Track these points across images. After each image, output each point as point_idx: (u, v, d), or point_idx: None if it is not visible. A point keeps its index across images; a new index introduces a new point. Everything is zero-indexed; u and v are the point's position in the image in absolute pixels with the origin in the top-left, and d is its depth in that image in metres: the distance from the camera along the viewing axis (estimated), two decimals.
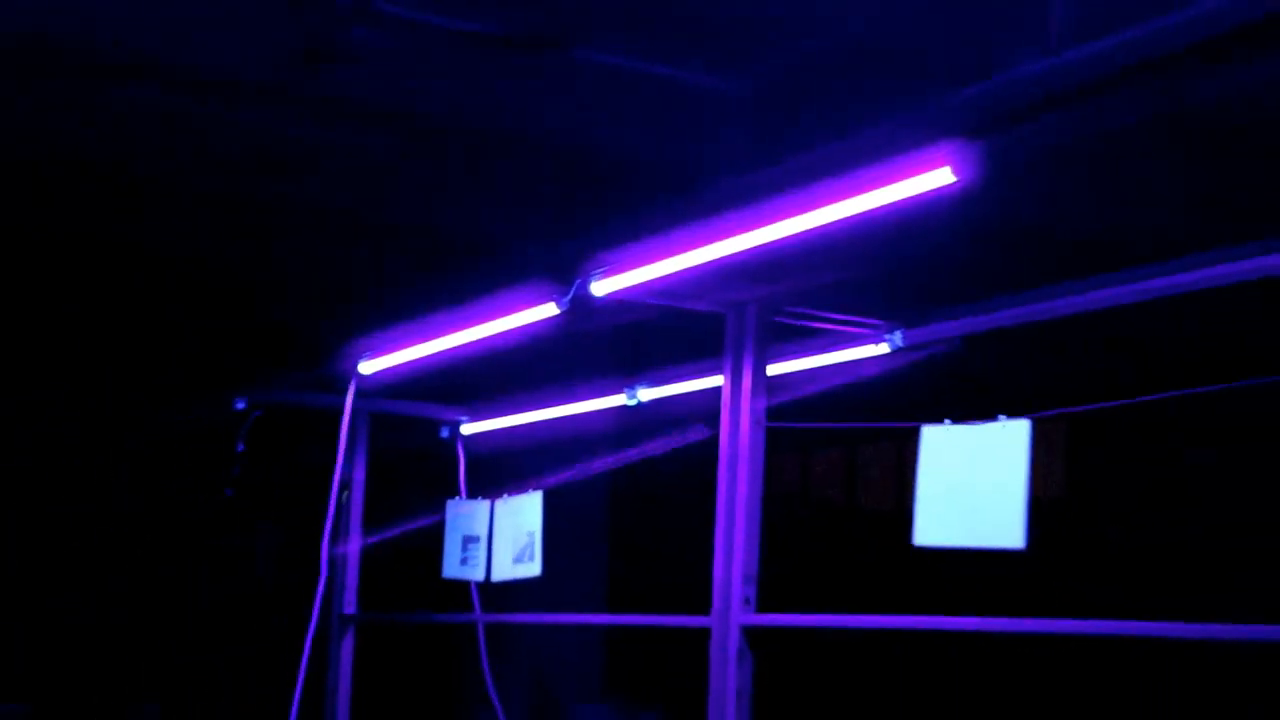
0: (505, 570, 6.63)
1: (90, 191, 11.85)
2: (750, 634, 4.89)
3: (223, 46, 9.29)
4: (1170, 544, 14.56)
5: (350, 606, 7.33)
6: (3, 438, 18.43)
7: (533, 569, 6.50)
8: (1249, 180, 8.82)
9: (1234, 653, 13.42)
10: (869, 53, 8.69)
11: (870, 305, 5.25)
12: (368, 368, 6.58)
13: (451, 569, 7.01)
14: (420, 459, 7.69)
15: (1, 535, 18.28)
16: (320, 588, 6.57)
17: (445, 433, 7.64)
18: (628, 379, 6.64)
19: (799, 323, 5.20)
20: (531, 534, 6.50)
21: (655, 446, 6.69)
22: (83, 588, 18.30)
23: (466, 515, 6.97)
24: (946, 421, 4.51)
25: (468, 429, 7.59)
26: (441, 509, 7.17)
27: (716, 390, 5.08)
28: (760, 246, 4.24)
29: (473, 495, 7.02)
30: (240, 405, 7.34)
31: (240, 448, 7.27)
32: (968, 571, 4.74)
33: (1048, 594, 4.64)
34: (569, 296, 4.99)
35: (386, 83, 9.45)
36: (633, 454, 7.09)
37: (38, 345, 16.86)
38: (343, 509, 6.98)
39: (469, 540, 6.90)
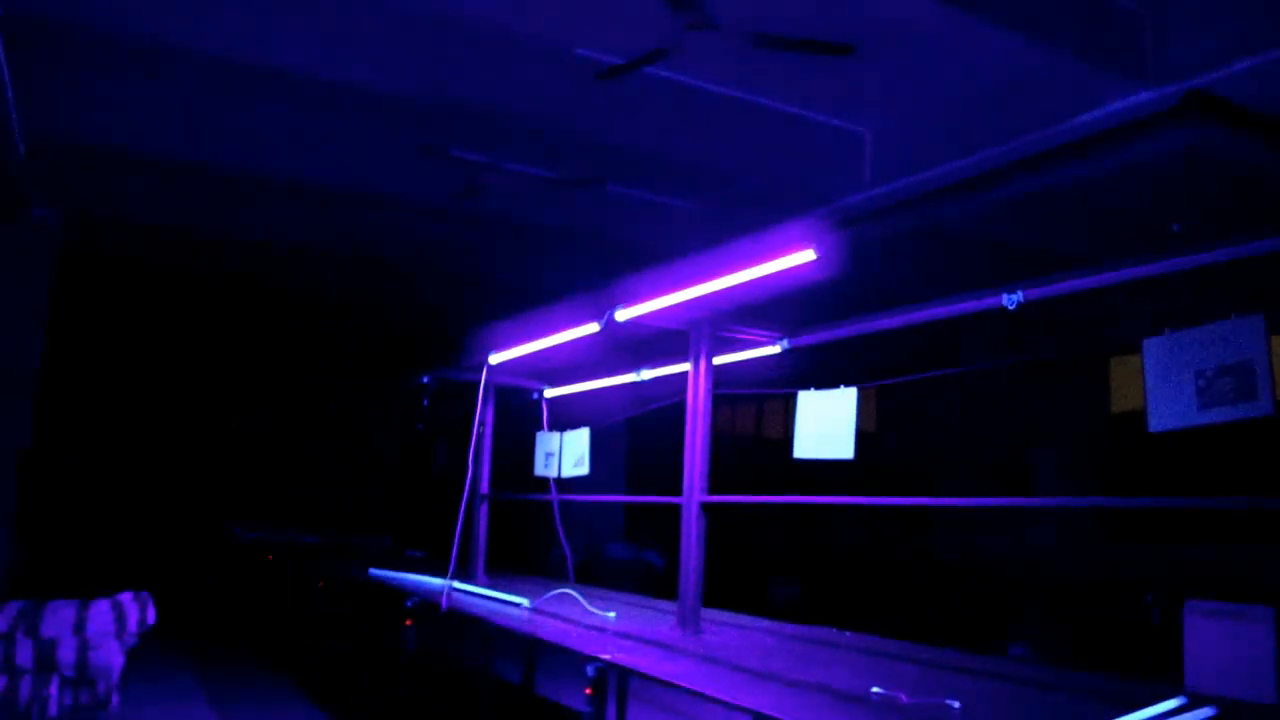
0: (569, 471, 6.73)
1: (345, 261, 11.91)
2: (705, 507, 4.97)
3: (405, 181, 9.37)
4: (929, 456, 14.64)
5: (484, 489, 7.41)
6: (289, 395, 18.56)
7: (584, 470, 6.59)
8: (975, 261, 8.91)
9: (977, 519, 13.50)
10: (763, 191, 8.79)
11: (771, 323, 5.34)
12: (494, 359, 6.64)
13: (539, 470, 7.09)
14: (522, 410, 7.74)
15: (295, 461, 18.44)
16: (469, 479, 6.63)
17: (536, 395, 7.70)
18: (637, 366, 6.73)
19: (730, 335, 5.28)
20: (583, 451, 6.60)
21: (653, 404, 6.75)
22: (344, 486, 18.44)
23: (547, 440, 7.05)
24: (811, 389, 4.60)
25: (549, 393, 7.66)
26: (533, 437, 7.25)
27: (685, 373, 5.15)
28: (708, 294, 4.32)
29: (551, 429, 7.09)
30: (425, 379, 7.44)
31: (425, 403, 7.35)
32: (822, 472, 4.79)
33: (867, 484, 4.71)
34: (604, 320, 5.06)
35: (502, 205, 9.53)
36: (641, 408, 7.14)
37: (316, 344, 16.98)
38: (480, 437, 7.05)
39: (548, 454, 6.99)
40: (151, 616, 7.73)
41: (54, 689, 7.04)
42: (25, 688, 6.96)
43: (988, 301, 3.98)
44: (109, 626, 7.41)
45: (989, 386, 14.15)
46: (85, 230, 10.48)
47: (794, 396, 4.73)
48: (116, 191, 9.87)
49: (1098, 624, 11.15)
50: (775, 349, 5.38)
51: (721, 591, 5.96)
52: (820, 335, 5.07)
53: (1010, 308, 3.87)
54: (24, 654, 7.02)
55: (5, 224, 9.77)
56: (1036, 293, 3.81)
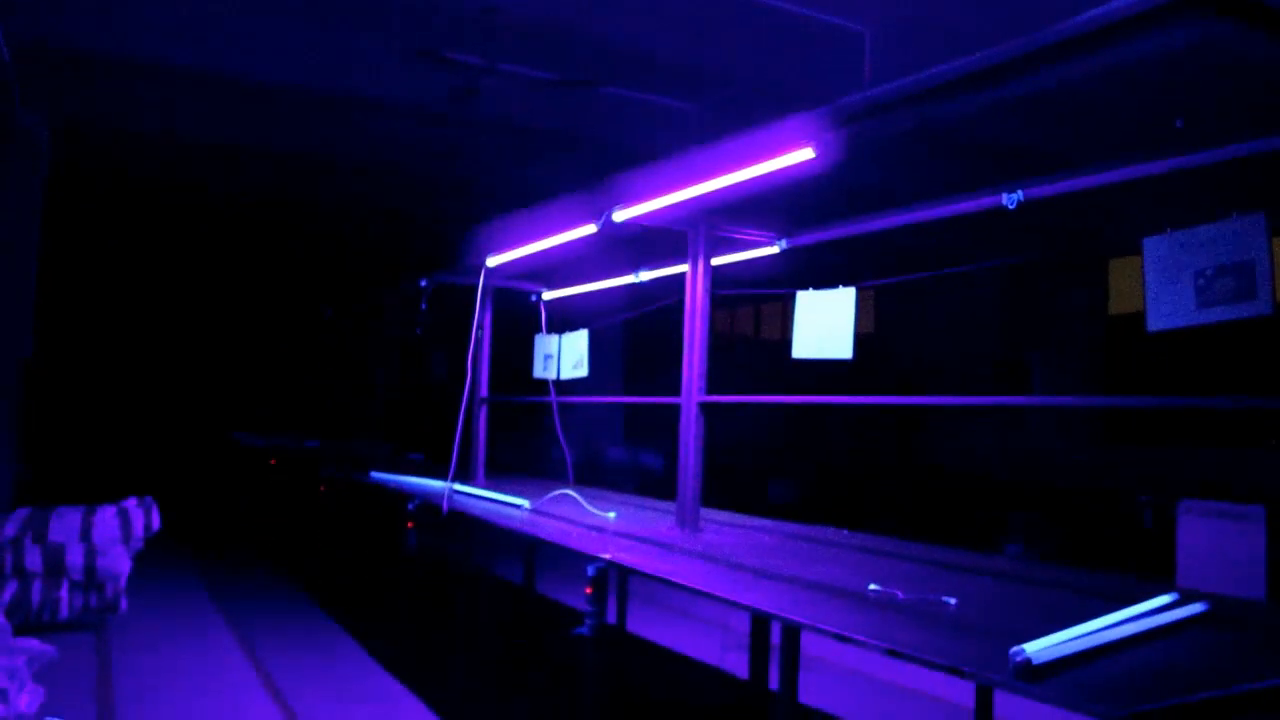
0: (568, 373, 6.74)
1: (342, 168, 11.81)
2: (704, 407, 4.99)
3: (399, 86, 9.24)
4: (927, 358, 14.67)
5: (484, 392, 7.43)
6: (288, 303, 18.53)
7: (582, 372, 6.61)
8: (975, 163, 8.85)
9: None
10: (761, 92, 8.68)
11: (769, 224, 5.31)
12: (492, 261, 6.62)
13: (538, 372, 7.11)
14: (520, 313, 7.74)
15: (295, 367, 18.48)
16: (468, 382, 6.65)
17: (534, 298, 7.69)
18: (635, 267, 6.71)
19: (729, 235, 5.25)
20: (582, 353, 6.61)
21: (650, 305, 6.74)
22: (344, 391, 18.51)
23: (545, 342, 7.06)
24: (810, 289, 4.59)
25: (547, 295, 7.64)
26: (532, 340, 7.26)
27: (683, 274, 5.14)
28: (706, 194, 4.29)
29: (549, 332, 7.09)
30: (423, 283, 7.42)
31: (424, 306, 7.33)
32: (820, 373, 4.81)
33: (865, 386, 4.73)
34: (602, 221, 5.03)
35: (499, 106, 9.41)
36: (639, 310, 7.13)
37: (316, 255, 16.91)
38: (479, 341, 7.06)
39: (547, 357, 7.00)
40: (156, 522, 7.82)
41: (64, 592, 7.15)
42: (36, 591, 7.07)
43: (987, 201, 3.96)
44: (115, 532, 7.50)
45: (987, 289, 14.15)
46: (75, 139, 10.34)
47: (793, 298, 4.72)
48: (105, 99, 9.73)
49: (1092, 525, 11.30)
50: (774, 249, 5.36)
51: (720, 492, 6.02)
52: (819, 235, 5.05)
53: (1010, 207, 3.84)
54: (33, 559, 7.12)
55: None
56: (1037, 191, 3.79)
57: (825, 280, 4.59)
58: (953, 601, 3.05)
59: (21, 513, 7.51)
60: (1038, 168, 3.84)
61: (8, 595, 6.95)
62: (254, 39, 8.58)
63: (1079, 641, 2.34)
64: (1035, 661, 2.18)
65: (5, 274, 9.68)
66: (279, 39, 8.61)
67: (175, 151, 11.54)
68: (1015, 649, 2.20)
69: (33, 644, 4.73)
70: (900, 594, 3.15)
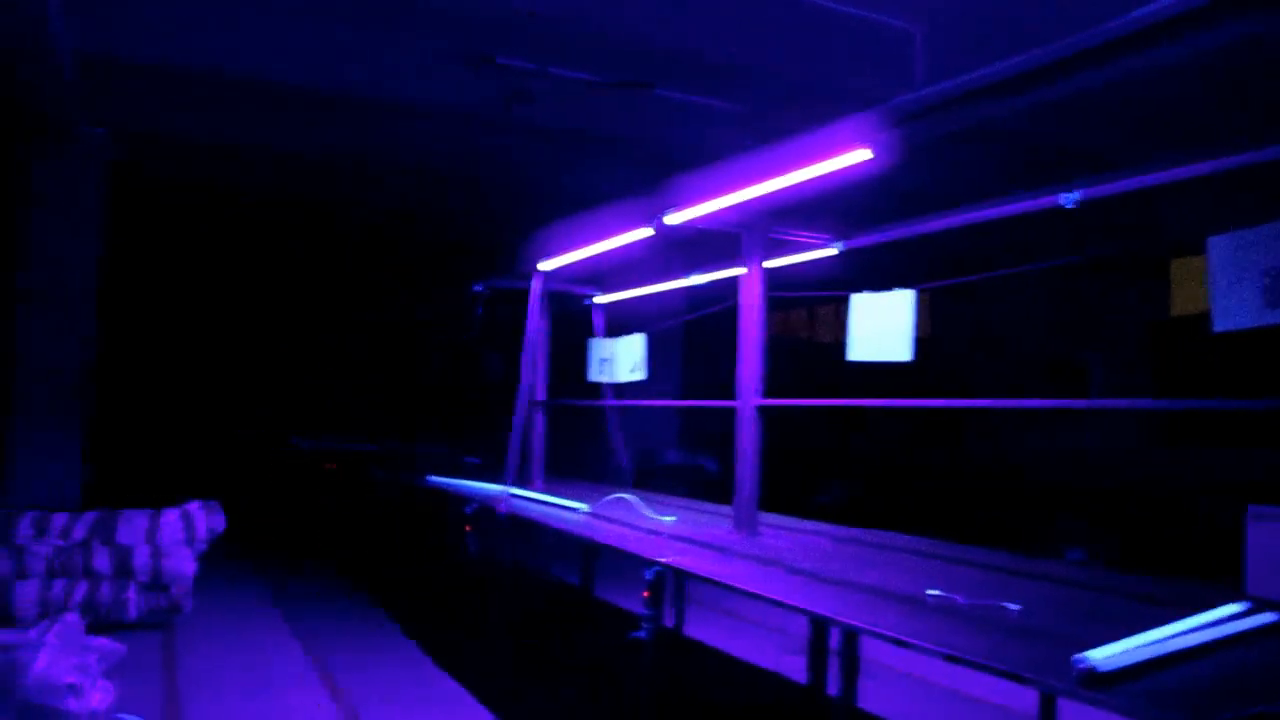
0: (624, 377, 6.73)
1: (395, 174, 11.88)
2: (760, 411, 4.97)
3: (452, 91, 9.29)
4: (984, 359, 14.52)
5: (540, 396, 7.45)
6: (345, 309, 18.72)
7: (639, 376, 6.60)
8: (1030, 163, 8.74)
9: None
10: (811, 92, 8.62)
11: (824, 226, 5.27)
12: (546, 266, 6.64)
13: (593, 375, 7.11)
14: (576, 316, 7.75)
15: (352, 372, 18.68)
16: (524, 386, 6.68)
17: (588, 301, 7.70)
18: (689, 270, 6.69)
19: (783, 237, 5.22)
20: (639, 357, 6.60)
21: (705, 308, 6.72)
22: (400, 395, 18.67)
23: (600, 346, 7.06)
24: (866, 291, 4.56)
25: (601, 299, 7.65)
26: (586, 343, 7.26)
27: (738, 277, 5.12)
28: (761, 196, 4.27)
29: (606, 335, 7.09)
30: (478, 288, 7.46)
31: (479, 311, 7.37)
32: (876, 376, 4.77)
33: (920, 388, 4.68)
34: (656, 224, 5.03)
35: (550, 110, 9.43)
36: (695, 313, 7.12)
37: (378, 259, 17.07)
38: (534, 345, 7.07)
39: (603, 361, 7.00)
40: (219, 524, 7.92)
41: (132, 593, 7.26)
42: (105, 592, 7.18)
43: (1045, 201, 3.90)
44: (179, 534, 7.61)
45: (1044, 290, 13.96)
46: (134, 149, 10.51)
47: (847, 299, 4.68)
48: (164, 108, 9.87)
49: (1155, 530, 11.10)
50: (830, 251, 5.33)
51: (775, 496, 5.98)
52: (875, 237, 5.01)
53: (1068, 206, 3.79)
54: (102, 560, 7.24)
55: (56, 143, 9.84)
56: (1096, 191, 3.73)
57: (877, 282, 4.54)
58: (1014, 607, 3.01)
59: (90, 515, 7.64)
60: (1092, 167, 3.78)
61: (79, 595, 7.08)
62: (307, 46, 8.66)
63: (1146, 649, 2.30)
64: (1100, 669, 2.14)
65: (69, 282, 9.87)
66: (331, 46, 8.69)
67: (230, 159, 11.67)
68: (1079, 656, 2.17)
69: (104, 642, 4.81)
70: (960, 599, 3.11)
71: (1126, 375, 13.41)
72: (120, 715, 5.02)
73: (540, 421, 7.49)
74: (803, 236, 5.24)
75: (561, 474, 8.16)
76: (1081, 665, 2.15)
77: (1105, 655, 2.18)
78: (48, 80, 8.17)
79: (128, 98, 9.52)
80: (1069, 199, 3.76)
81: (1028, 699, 3.67)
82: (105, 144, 10.11)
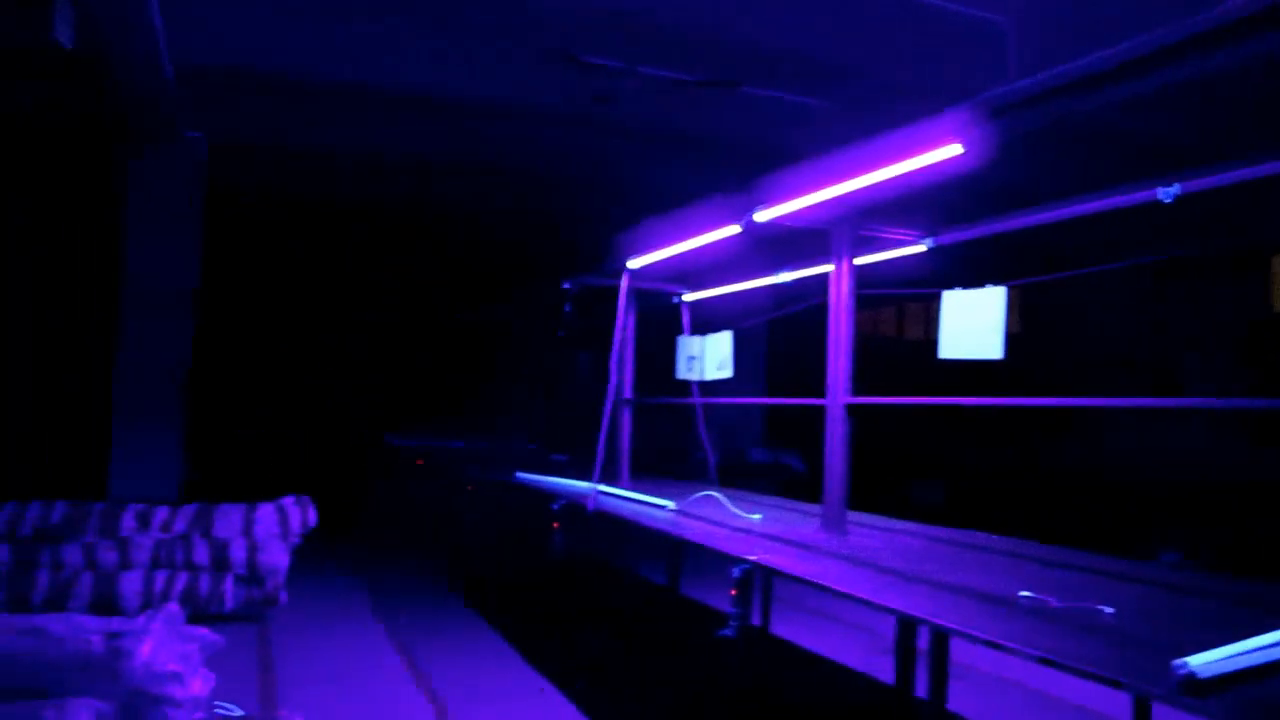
0: (711, 374, 6.72)
1: (484, 173, 11.99)
2: (849, 408, 4.93)
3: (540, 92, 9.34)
4: (1076, 357, 14.24)
5: (628, 394, 7.47)
6: (435, 308, 18.95)
7: (726, 373, 6.59)
8: (1122, 156, 8.53)
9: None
10: (899, 87, 8.53)
11: (913, 222, 5.21)
12: (634, 264, 6.65)
13: (681, 373, 7.11)
14: (662, 314, 7.76)
15: (441, 369, 18.93)
16: (612, 384, 6.70)
17: (676, 299, 7.70)
18: (777, 268, 6.66)
19: (873, 234, 5.18)
20: (726, 355, 6.59)
21: (793, 306, 6.68)
22: (489, 393, 18.86)
23: (689, 344, 7.05)
24: (957, 288, 4.50)
25: (689, 297, 7.65)
26: (674, 341, 7.26)
27: (825, 274, 5.08)
28: (851, 193, 4.23)
29: (693, 333, 7.08)
30: (566, 286, 7.50)
31: (567, 308, 7.42)
32: (965, 373, 4.71)
33: (1010, 386, 4.61)
34: (745, 221, 5.01)
35: (637, 109, 9.45)
36: (782, 311, 7.08)
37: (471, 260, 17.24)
38: (622, 343, 7.09)
39: (690, 358, 6.99)
40: (312, 519, 8.07)
41: (229, 585, 7.43)
42: (204, 584, 7.36)
43: (1142, 195, 3.81)
44: (274, 528, 7.77)
45: (1140, 286, 13.66)
46: (229, 153, 10.75)
47: (938, 296, 4.63)
48: (258, 114, 10.09)
49: (1255, 531, 10.79)
50: (920, 248, 5.26)
51: (864, 494, 5.93)
52: (967, 233, 4.94)
53: (1166, 201, 3.69)
54: (201, 553, 7.42)
55: (157, 148, 10.10)
56: (1195, 185, 3.63)
57: (965, 278, 4.48)
58: (1109, 610, 2.95)
59: (190, 509, 7.84)
60: (1186, 160, 3.69)
61: (179, 586, 7.26)
62: (396, 50, 8.77)
63: (1249, 656, 2.23)
64: (1200, 675, 2.09)
65: (171, 282, 10.13)
66: (420, 49, 8.78)
67: (318, 163, 11.88)
68: (1178, 661, 2.12)
69: (204, 632, 4.92)
70: (1054, 601, 3.06)
71: (1224, 375, 13.06)
72: (219, 703, 5.15)
73: (627, 419, 7.51)
74: (892, 233, 5.19)
75: (648, 471, 8.18)
76: (1181, 671, 2.10)
77: (1205, 661, 2.13)
78: (150, 86, 8.38)
79: (220, 104, 9.74)
80: (1167, 193, 3.67)
81: (1118, 704, 3.59)
82: (204, 152, 10.35)
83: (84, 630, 4.44)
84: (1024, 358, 13.87)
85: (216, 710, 5.05)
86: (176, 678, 4.44)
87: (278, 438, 17.31)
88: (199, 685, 4.65)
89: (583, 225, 13.14)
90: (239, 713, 5.16)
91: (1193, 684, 2.08)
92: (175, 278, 10.17)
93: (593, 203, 12.85)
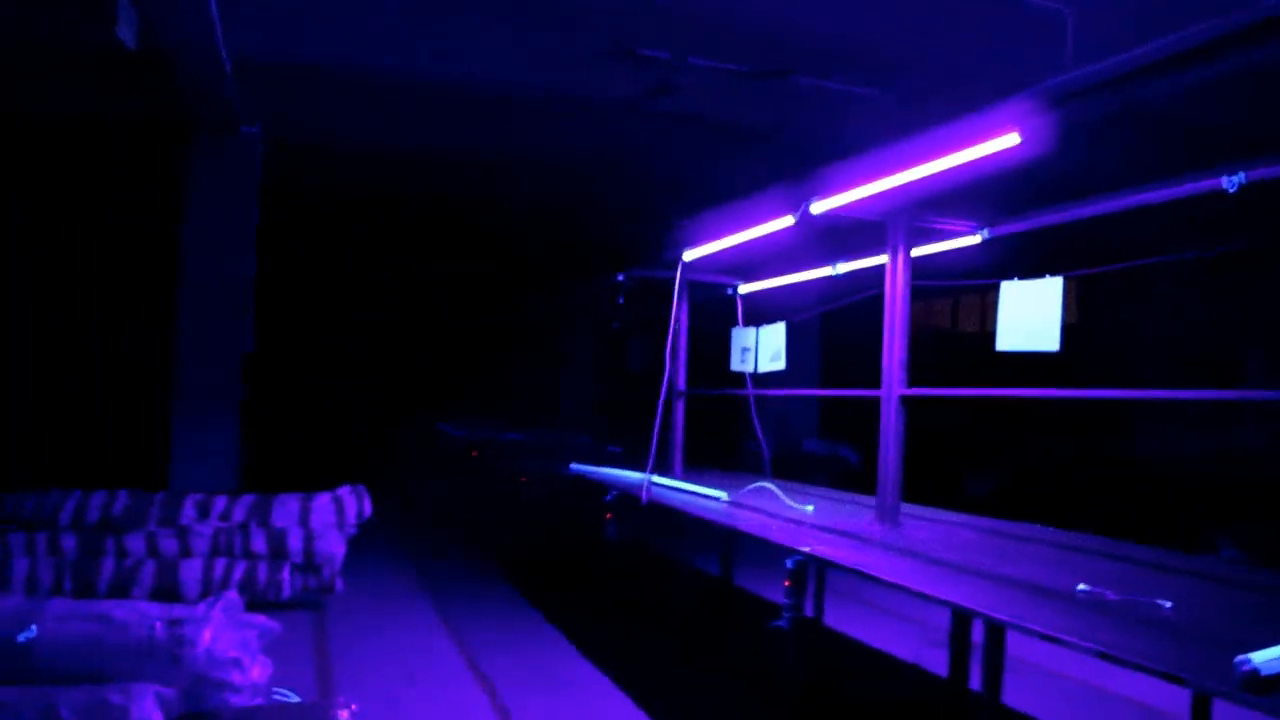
0: (765, 366, 6.71)
1: (538, 166, 12.02)
2: (904, 400, 4.91)
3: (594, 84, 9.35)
4: (1135, 349, 14.05)
5: (681, 385, 7.48)
6: (491, 300, 19.04)
7: (780, 365, 6.57)
8: (1181, 145, 8.39)
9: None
10: (956, 76, 8.44)
11: (969, 213, 5.17)
12: (688, 256, 6.65)
13: (735, 365, 7.10)
14: (716, 306, 7.75)
15: (498, 361, 19.04)
16: (666, 375, 6.71)
17: (730, 291, 7.69)
18: (832, 259, 6.64)
19: (928, 225, 5.14)
20: (780, 346, 6.57)
21: (849, 297, 6.66)
22: (544, 385, 18.95)
23: (742, 335, 7.04)
24: (1015, 278, 4.46)
25: (743, 289, 7.64)
26: (728, 333, 7.25)
27: (880, 266, 5.06)
28: (907, 184, 4.21)
29: (746, 324, 7.07)
30: (620, 278, 7.52)
31: (620, 300, 7.43)
32: (1021, 365, 4.67)
33: (1072, 377, 4.55)
34: (799, 213, 5.00)
35: (691, 101, 9.43)
36: (836, 303, 7.05)
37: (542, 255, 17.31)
38: (676, 334, 7.09)
39: (744, 350, 6.99)
40: (368, 509, 8.15)
41: (286, 574, 7.53)
42: (262, 572, 7.47)
43: (1205, 184, 3.75)
44: (330, 518, 7.86)
45: (1200, 278, 13.42)
46: (285, 146, 10.86)
47: (995, 289, 4.59)
48: (313, 107, 10.19)
49: None
50: (975, 239, 5.22)
51: (917, 487, 5.90)
52: (1024, 224, 4.89)
53: (1231, 190, 3.63)
54: (258, 542, 7.52)
55: (218, 140, 10.24)
56: (1261, 173, 3.57)
57: (1023, 270, 4.44)
58: (1168, 605, 2.91)
59: (248, 499, 7.94)
60: (1249, 150, 3.62)
61: (238, 574, 7.37)
62: (450, 42, 8.81)
63: None
64: (1264, 673, 2.06)
65: (229, 274, 10.26)
66: (473, 40, 8.82)
67: (377, 154, 11.96)
68: (1241, 658, 2.09)
69: (262, 620, 4.99)
70: (1111, 595, 3.03)
71: None
72: (277, 690, 5.22)
73: (681, 410, 7.51)
74: (947, 224, 5.15)
75: (702, 462, 8.18)
76: (1245, 667, 2.07)
77: (1269, 658, 2.10)
78: (210, 79, 8.49)
79: (281, 98, 9.84)
80: (1232, 182, 3.61)
81: (1177, 699, 3.54)
82: (260, 143, 10.48)
83: (147, 617, 4.52)
84: (1081, 350, 13.72)
85: (275, 696, 5.12)
86: (236, 664, 4.51)
87: (333, 427, 17.50)
88: (258, 672, 4.72)
89: (638, 218, 13.15)
90: (296, 699, 5.23)
91: (1256, 681, 2.05)
92: (233, 268, 10.30)
93: (648, 196, 12.85)
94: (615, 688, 5.97)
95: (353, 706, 4.54)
